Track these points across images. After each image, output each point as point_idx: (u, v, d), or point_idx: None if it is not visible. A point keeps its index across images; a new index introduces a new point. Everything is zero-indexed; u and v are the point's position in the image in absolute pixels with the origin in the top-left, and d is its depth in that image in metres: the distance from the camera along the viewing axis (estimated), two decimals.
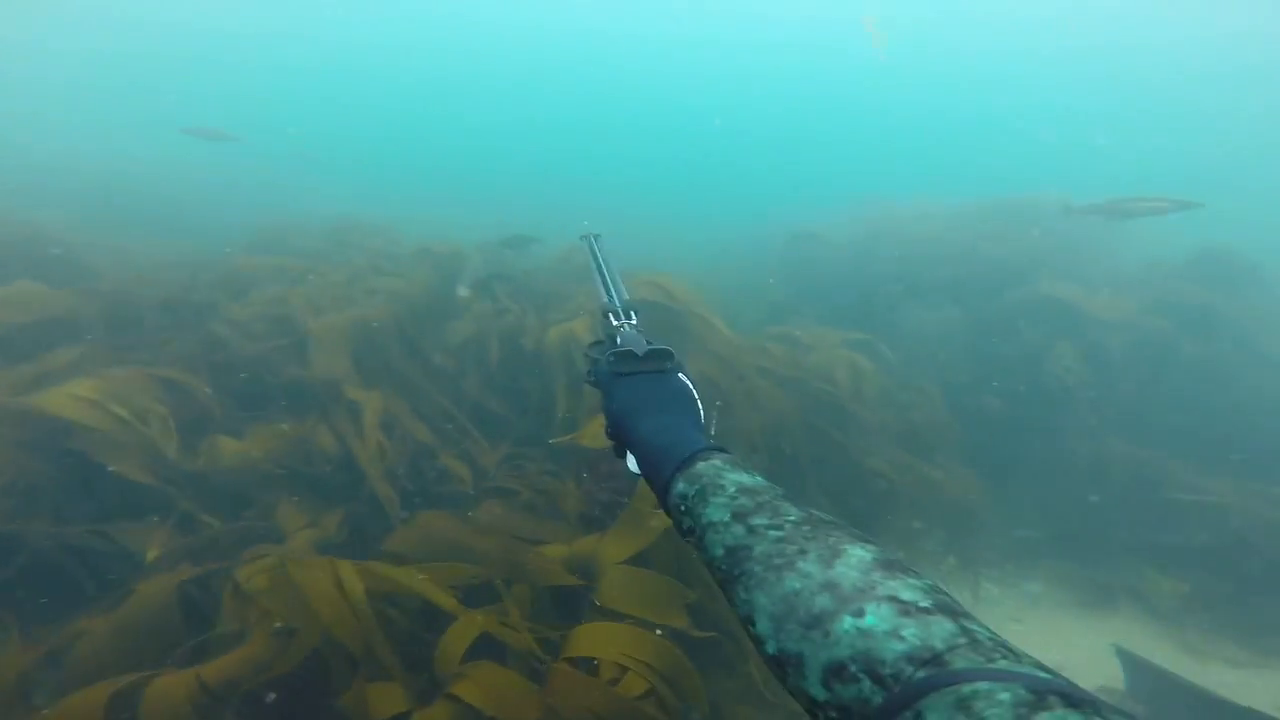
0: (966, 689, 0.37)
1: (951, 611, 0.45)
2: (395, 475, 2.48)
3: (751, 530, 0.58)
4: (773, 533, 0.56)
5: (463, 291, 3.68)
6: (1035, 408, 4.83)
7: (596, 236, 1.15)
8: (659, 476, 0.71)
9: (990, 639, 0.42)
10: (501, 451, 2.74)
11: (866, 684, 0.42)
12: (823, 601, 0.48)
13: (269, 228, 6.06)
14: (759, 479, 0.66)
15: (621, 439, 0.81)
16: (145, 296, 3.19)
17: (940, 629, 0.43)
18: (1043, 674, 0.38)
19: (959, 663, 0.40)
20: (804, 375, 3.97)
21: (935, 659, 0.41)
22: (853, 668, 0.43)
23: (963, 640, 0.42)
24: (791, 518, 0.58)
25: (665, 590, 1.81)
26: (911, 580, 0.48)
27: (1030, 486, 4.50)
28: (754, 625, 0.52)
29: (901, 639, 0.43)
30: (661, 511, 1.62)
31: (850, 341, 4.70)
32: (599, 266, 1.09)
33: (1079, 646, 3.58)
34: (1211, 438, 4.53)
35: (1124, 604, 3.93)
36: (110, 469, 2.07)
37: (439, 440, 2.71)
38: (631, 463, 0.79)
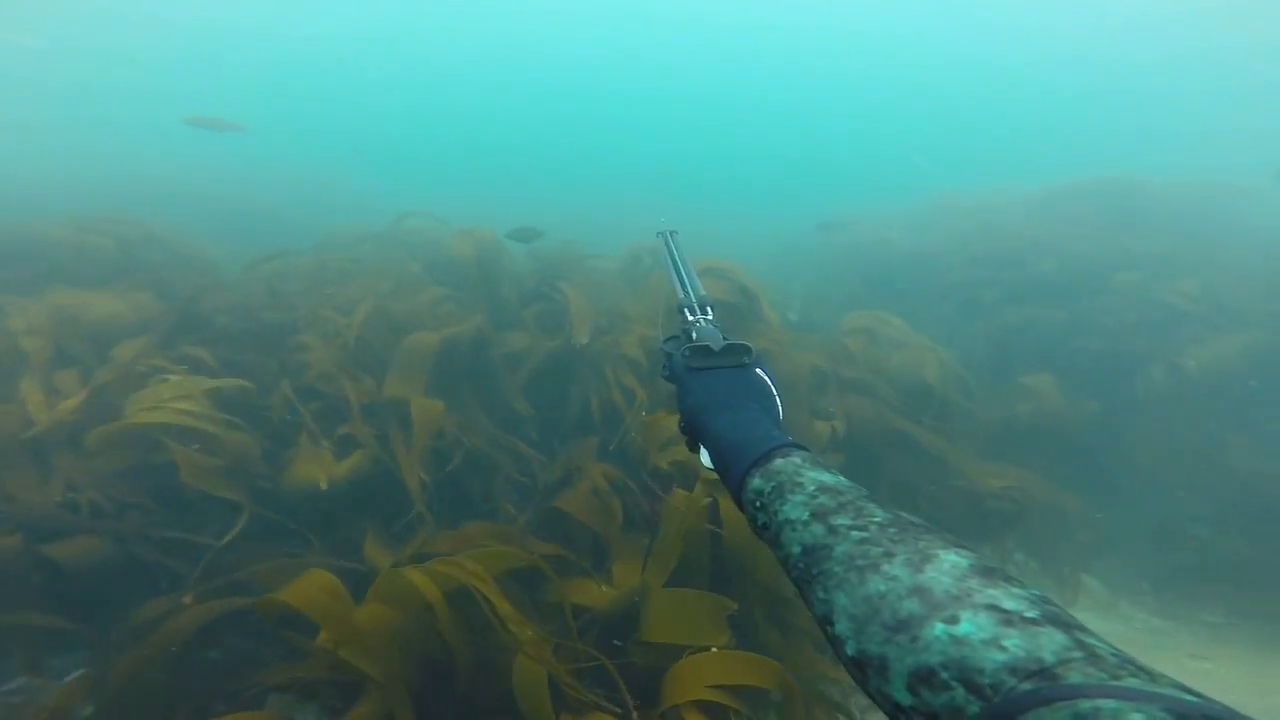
0: (1085, 705, 0.34)
1: (1063, 624, 0.42)
2: (455, 489, 2.58)
3: (832, 530, 0.57)
4: (856, 533, 0.55)
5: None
6: (1143, 414, 4.41)
7: (673, 233, 1.17)
8: (733, 472, 0.71)
9: (1114, 655, 0.39)
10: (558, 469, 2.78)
11: (960, 692, 0.40)
12: (910, 606, 0.46)
13: (339, 231, 6.37)
14: (841, 478, 0.64)
15: (696, 434, 0.81)
16: (224, 306, 3.44)
17: (1050, 641, 0.40)
18: (1189, 697, 0.34)
19: (1074, 677, 0.37)
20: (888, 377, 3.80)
21: (1044, 672, 0.38)
22: (944, 675, 0.42)
23: (1078, 654, 0.39)
24: (876, 519, 0.56)
25: (709, 608, 1.75)
26: (1015, 589, 0.45)
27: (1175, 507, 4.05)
28: (833, 625, 0.51)
29: (1003, 649, 0.40)
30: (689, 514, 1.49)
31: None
32: (675, 262, 1.10)
33: None
34: None
35: None
36: (195, 485, 2.24)
37: (503, 456, 2.80)
38: (705, 458, 0.79)
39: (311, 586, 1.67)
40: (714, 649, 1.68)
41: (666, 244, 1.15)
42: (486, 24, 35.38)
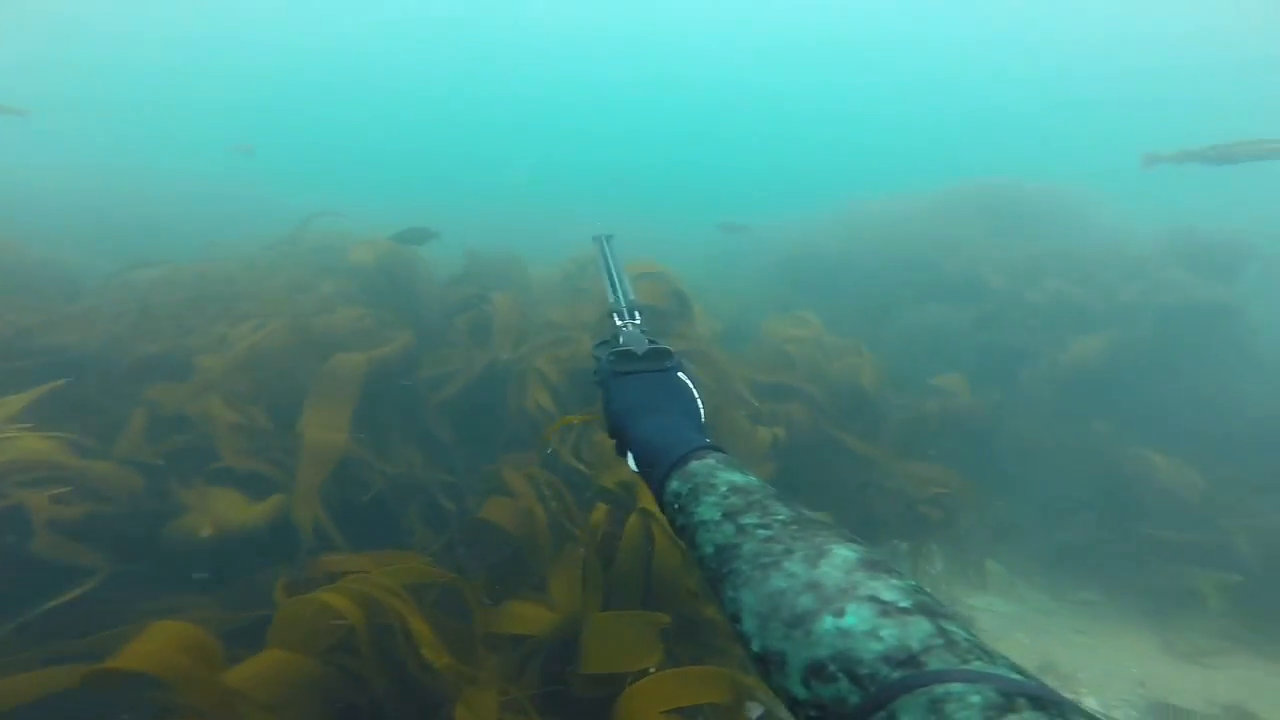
0: (939, 690, 0.38)
1: (931, 612, 0.45)
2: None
3: (741, 529, 0.59)
4: (761, 532, 0.57)
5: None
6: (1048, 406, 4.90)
7: (609, 238, 1.19)
8: (654, 475, 0.73)
9: (967, 640, 0.43)
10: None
11: (844, 683, 0.43)
12: (806, 601, 0.49)
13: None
14: (752, 478, 0.67)
15: (621, 438, 0.82)
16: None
17: (918, 629, 0.43)
18: (1015, 676, 0.39)
19: (934, 663, 0.40)
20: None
21: (911, 660, 0.41)
22: (832, 667, 0.44)
23: (939, 641, 0.42)
24: (780, 517, 0.59)
25: (642, 627, 1.73)
26: (894, 581, 0.48)
27: (1056, 490, 4.52)
28: (740, 623, 0.53)
29: (879, 639, 0.43)
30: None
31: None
32: (608, 266, 1.12)
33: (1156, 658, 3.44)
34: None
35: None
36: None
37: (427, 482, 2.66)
38: (632, 462, 0.80)
39: (160, 643, 1.42)
40: (651, 670, 1.66)
41: (601, 248, 1.17)
42: (418, 34, 34.41)
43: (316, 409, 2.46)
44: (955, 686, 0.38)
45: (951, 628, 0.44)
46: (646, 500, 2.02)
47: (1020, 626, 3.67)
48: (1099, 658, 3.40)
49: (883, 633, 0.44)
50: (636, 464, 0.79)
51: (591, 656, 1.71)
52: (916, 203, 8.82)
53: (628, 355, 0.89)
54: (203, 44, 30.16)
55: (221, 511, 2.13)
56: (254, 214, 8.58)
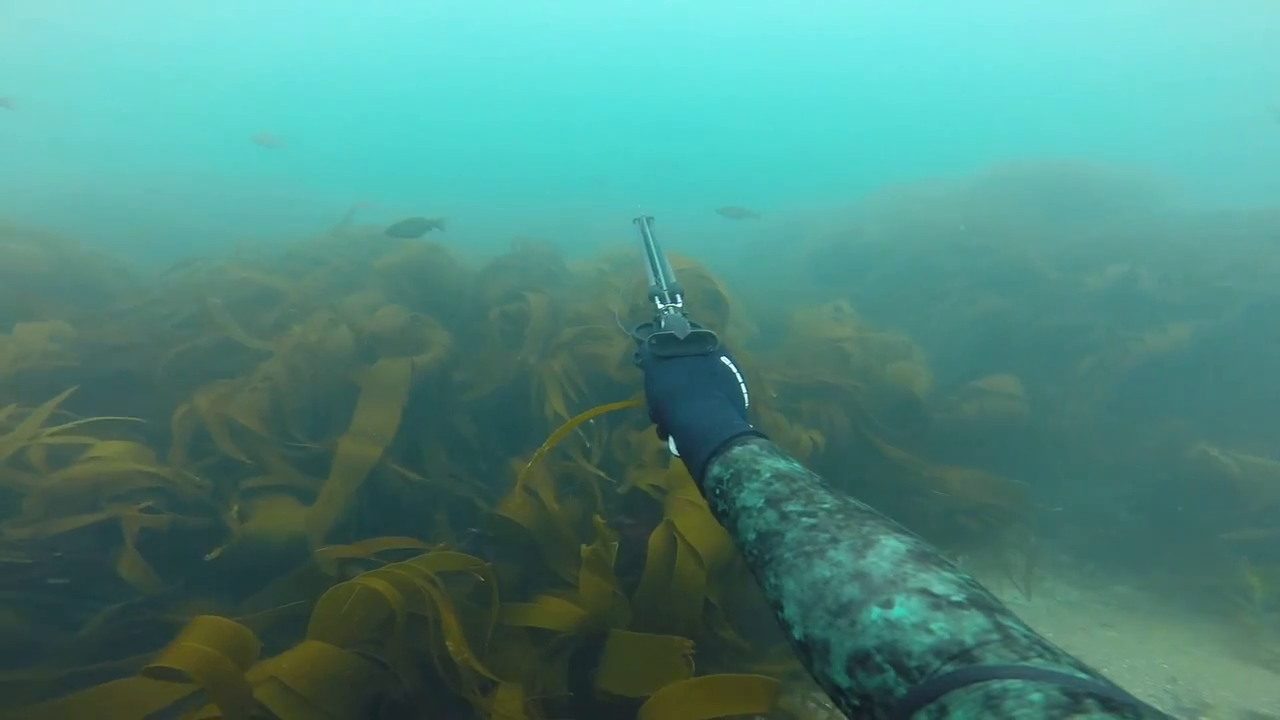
0: (996, 686, 0.37)
1: (986, 607, 0.45)
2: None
3: (784, 516, 0.59)
4: (805, 520, 0.57)
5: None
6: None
7: (649, 219, 1.19)
8: (695, 460, 0.73)
9: (1026, 636, 0.42)
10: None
11: (891, 674, 0.43)
12: (851, 591, 0.48)
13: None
14: (796, 465, 0.67)
15: (662, 422, 0.83)
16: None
17: (972, 624, 0.43)
18: (1081, 675, 0.37)
19: (990, 659, 0.40)
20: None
21: (964, 654, 0.41)
22: (878, 658, 0.44)
23: (995, 636, 0.41)
24: (826, 505, 0.59)
25: (669, 653, 1.70)
26: (946, 574, 0.48)
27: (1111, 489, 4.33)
28: (782, 611, 0.54)
29: (930, 632, 0.43)
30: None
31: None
32: (649, 249, 1.12)
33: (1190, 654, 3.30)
34: None
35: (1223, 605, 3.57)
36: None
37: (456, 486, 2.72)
38: (672, 445, 0.80)
39: (199, 639, 1.44)
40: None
41: (642, 230, 1.16)
42: (456, 35, 35.25)
43: (365, 413, 2.56)
44: (1014, 683, 0.36)
45: (1009, 623, 0.43)
46: (674, 513, 2.01)
47: (1045, 619, 3.57)
48: (1121, 650, 3.30)
49: (933, 626, 0.43)
50: (677, 448, 0.79)
51: (611, 673, 1.71)
52: (957, 186, 8.50)
53: (670, 339, 0.88)
54: (217, 47, 31.22)
55: (276, 519, 2.24)
56: (288, 211, 8.96)
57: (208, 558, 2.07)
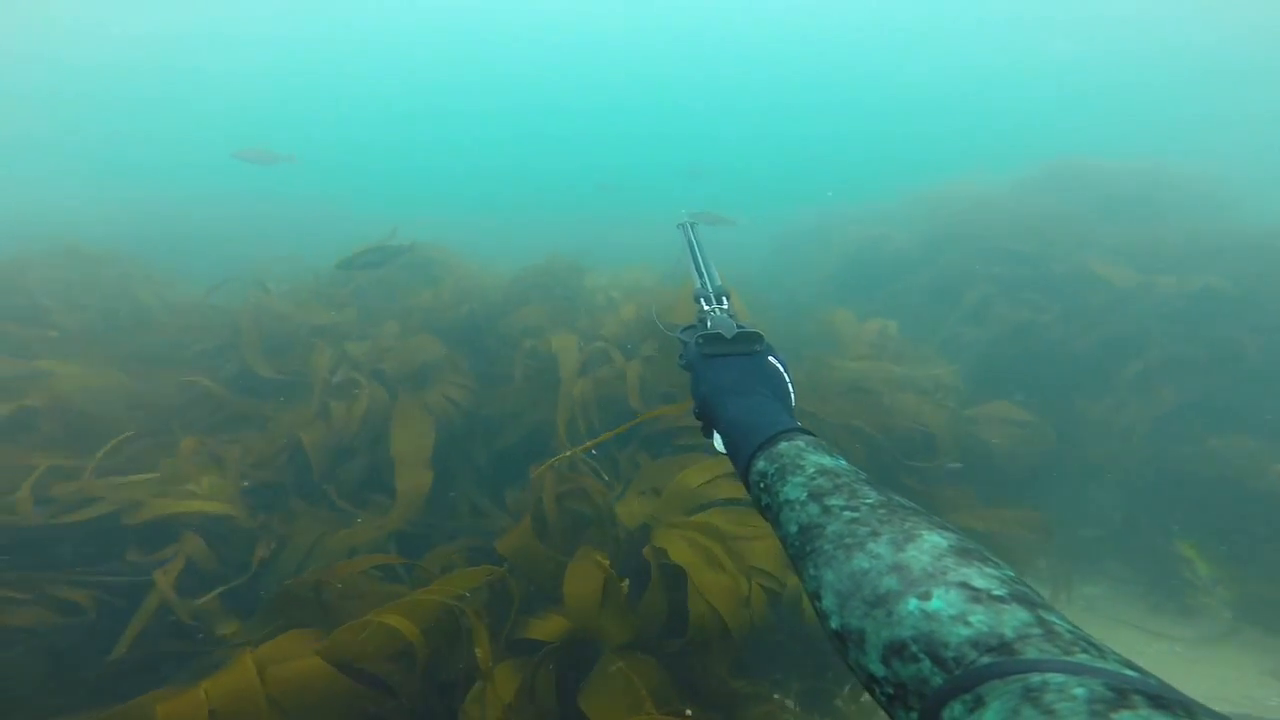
0: (1036, 679, 0.37)
1: (1029, 602, 0.45)
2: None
3: (826, 510, 0.61)
4: (847, 513, 0.59)
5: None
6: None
7: (693, 224, 1.24)
8: (741, 455, 0.77)
9: (1070, 631, 0.42)
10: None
11: (927, 664, 0.44)
12: (889, 582, 0.50)
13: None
14: (841, 461, 0.70)
15: (709, 419, 0.86)
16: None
17: (1012, 617, 0.43)
18: (1129, 672, 0.38)
19: (1030, 652, 0.40)
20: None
21: (1003, 646, 0.41)
22: (914, 647, 0.45)
23: (1037, 630, 0.42)
24: (869, 500, 0.61)
25: (661, 687, 1.79)
26: (988, 569, 0.49)
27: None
28: (820, 600, 0.56)
29: (968, 624, 0.44)
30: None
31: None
32: (693, 252, 1.17)
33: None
34: None
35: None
36: None
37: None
38: (718, 442, 0.84)
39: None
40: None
41: (686, 234, 1.22)
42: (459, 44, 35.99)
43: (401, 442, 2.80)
44: (1055, 677, 0.37)
45: (1052, 618, 0.44)
46: (662, 538, 2.09)
47: None
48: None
49: (972, 618, 0.44)
50: (725, 444, 0.82)
51: (589, 696, 1.80)
52: (1000, 187, 8.23)
53: (716, 338, 0.92)
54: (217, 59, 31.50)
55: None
56: (316, 229, 9.34)
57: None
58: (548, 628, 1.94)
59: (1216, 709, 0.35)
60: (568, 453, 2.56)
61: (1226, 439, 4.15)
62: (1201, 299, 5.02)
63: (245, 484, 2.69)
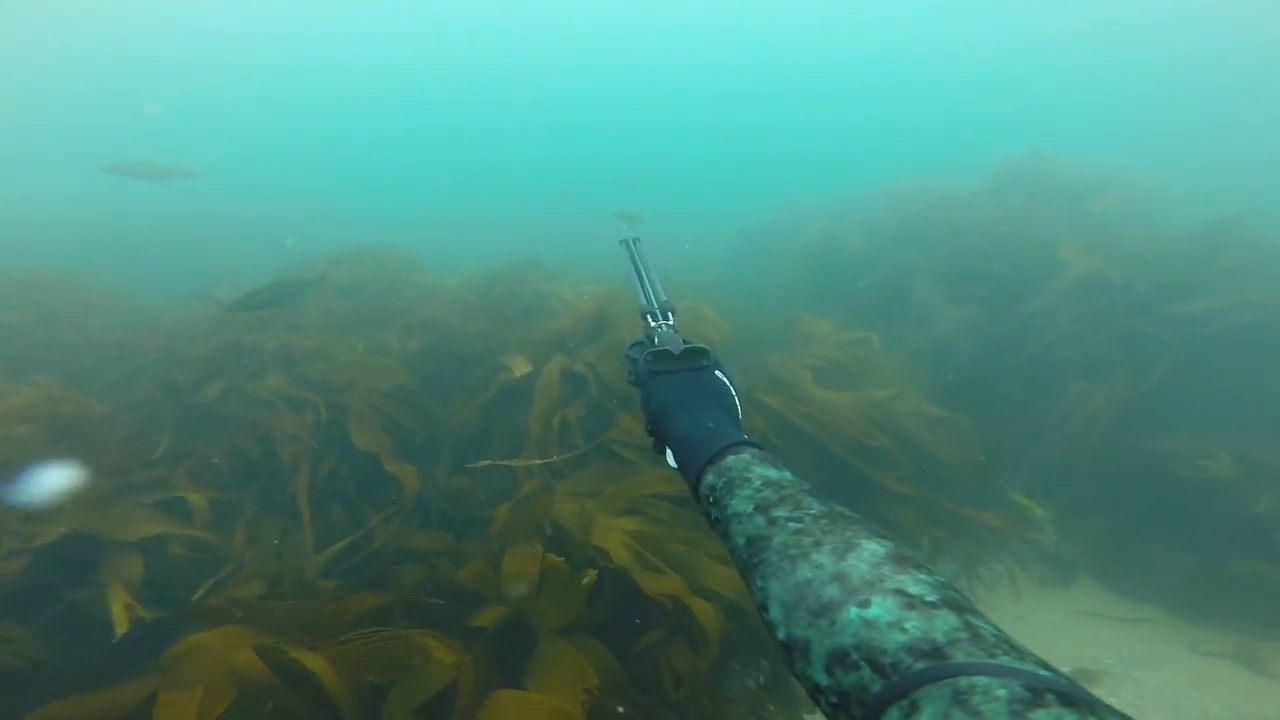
0: (964, 682, 0.40)
1: (957, 606, 0.49)
2: None
3: (772, 521, 0.64)
4: (792, 525, 0.62)
5: None
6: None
7: (636, 240, 1.26)
8: (690, 469, 0.80)
9: (994, 635, 0.46)
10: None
11: (866, 672, 0.46)
12: (831, 591, 0.53)
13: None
14: (786, 474, 0.73)
15: (659, 435, 0.90)
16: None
17: (943, 623, 0.46)
18: (1043, 672, 0.41)
19: (959, 656, 0.43)
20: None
21: (935, 651, 0.44)
22: (854, 655, 0.48)
23: (965, 634, 0.45)
24: (812, 511, 0.64)
25: (601, 667, 1.92)
26: (921, 576, 0.52)
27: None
28: (767, 612, 0.59)
29: (903, 630, 0.47)
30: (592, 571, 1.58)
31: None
32: (637, 269, 1.19)
33: None
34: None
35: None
36: None
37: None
38: (670, 458, 0.87)
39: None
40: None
41: (629, 251, 1.23)
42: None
43: None
44: (980, 679, 0.40)
45: (979, 622, 0.47)
46: (601, 538, 2.26)
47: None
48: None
49: (907, 625, 0.47)
50: (675, 460, 0.85)
51: (538, 680, 1.93)
52: (967, 186, 8.36)
53: (665, 355, 0.96)
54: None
55: None
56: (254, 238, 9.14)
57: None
58: (486, 616, 2.10)
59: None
60: (509, 461, 2.71)
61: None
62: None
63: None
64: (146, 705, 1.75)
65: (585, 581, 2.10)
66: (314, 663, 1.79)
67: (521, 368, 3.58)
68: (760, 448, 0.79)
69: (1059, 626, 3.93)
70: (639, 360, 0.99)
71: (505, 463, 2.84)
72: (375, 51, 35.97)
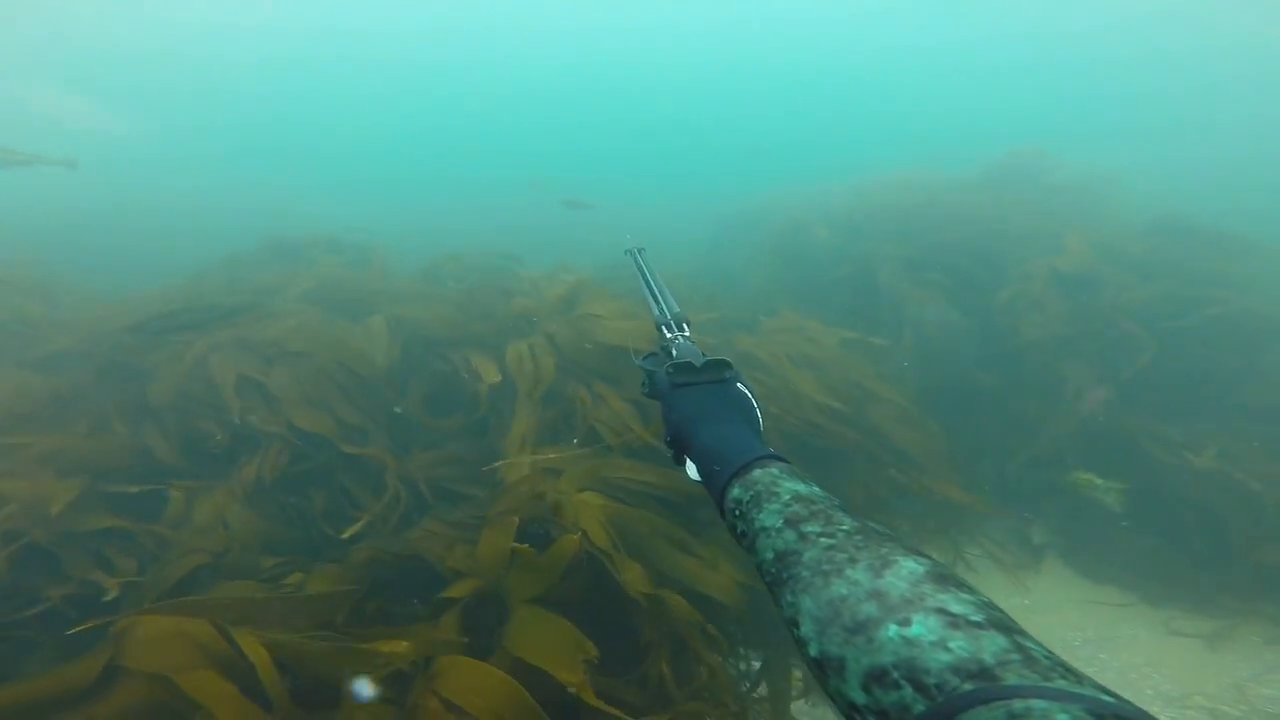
0: (1019, 705, 0.39)
1: (1005, 627, 0.48)
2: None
3: (803, 536, 0.65)
4: (824, 540, 0.63)
5: None
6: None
7: (641, 250, 1.27)
8: (716, 482, 0.82)
9: (1047, 658, 0.45)
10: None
11: (908, 691, 0.46)
12: (868, 609, 0.53)
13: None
14: (815, 489, 0.74)
15: (681, 447, 0.92)
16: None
17: (991, 643, 0.46)
18: (1106, 697, 0.40)
19: (1011, 678, 0.42)
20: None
21: (984, 673, 0.44)
22: (895, 674, 0.47)
23: (1016, 656, 0.45)
24: (844, 527, 0.65)
25: (570, 642, 1.93)
26: (964, 595, 0.52)
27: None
28: (798, 628, 0.59)
29: (948, 650, 0.46)
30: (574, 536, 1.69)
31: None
32: (646, 280, 1.20)
33: None
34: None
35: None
36: None
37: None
38: (691, 470, 0.89)
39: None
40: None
41: (636, 262, 1.24)
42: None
43: None
44: (1037, 703, 0.39)
45: (1029, 644, 0.46)
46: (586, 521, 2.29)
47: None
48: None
49: (951, 644, 0.46)
50: (698, 472, 0.87)
51: (517, 642, 1.96)
52: (954, 177, 8.51)
53: (686, 367, 0.97)
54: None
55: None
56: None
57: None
58: (458, 589, 2.15)
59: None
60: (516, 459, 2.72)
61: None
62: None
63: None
64: (106, 676, 1.74)
65: (564, 549, 2.13)
66: (256, 653, 1.77)
67: (491, 376, 3.57)
68: (787, 461, 0.81)
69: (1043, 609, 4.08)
70: (658, 372, 1.00)
71: (525, 458, 2.79)
72: (343, 43, 35.51)
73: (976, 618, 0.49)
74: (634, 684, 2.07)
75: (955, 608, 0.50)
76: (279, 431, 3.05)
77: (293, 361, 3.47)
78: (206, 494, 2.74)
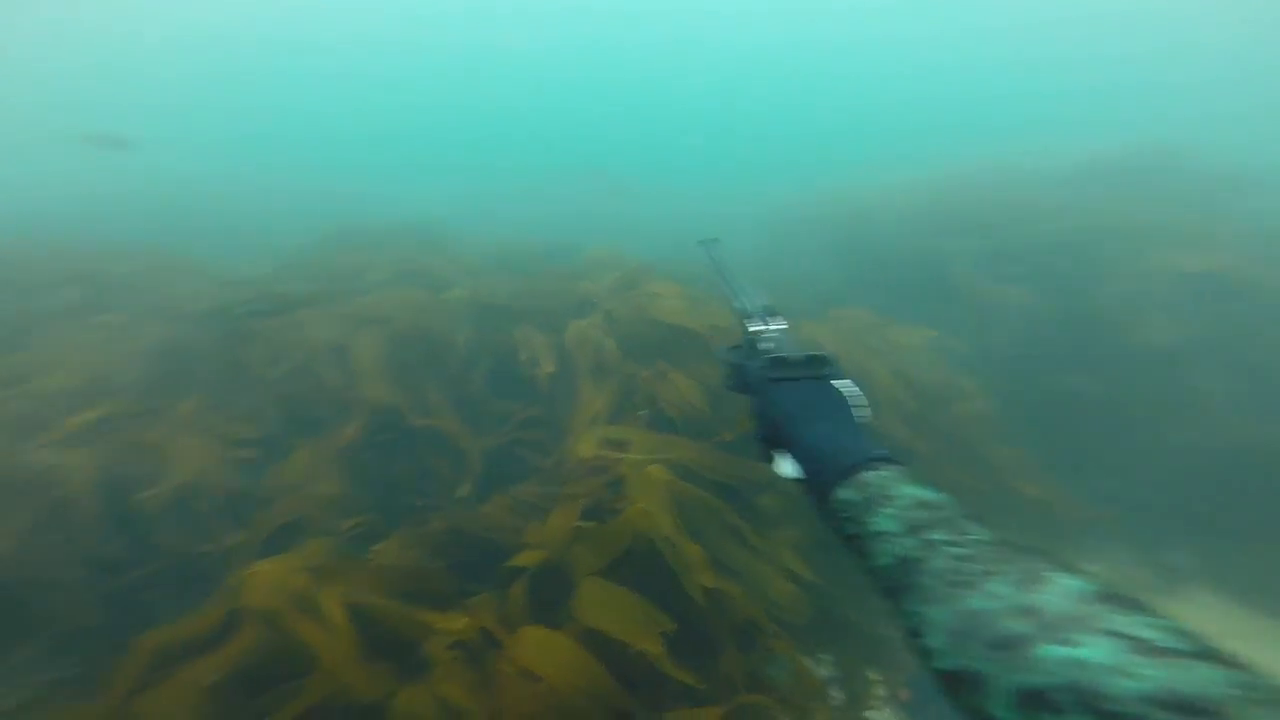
0: None
1: (1217, 659, 0.43)
2: None
3: (927, 544, 0.63)
4: (953, 549, 0.61)
5: None
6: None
7: (714, 242, 1.23)
8: (822, 483, 0.79)
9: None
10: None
11: (1078, 718, 0.43)
12: (1017, 625, 0.51)
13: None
14: (941, 494, 0.71)
15: (779, 444, 0.88)
16: None
17: (1206, 675, 0.42)
18: None
19: (1239, 713, 0.39)
20: None
21: (1212, 711, 0.39)
22: (1059, 697, 0.45)
23: (1238, 693, 0.40)
24: (975, 536, 0.62)
25: (643, 614, 1.96)
26: (1149, 618, 0.48)
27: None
28: (924, 637, 0.57)
29: (1139, 678, 0.43)
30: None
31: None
32: (722, 272, 1.17)
33: None
34: None
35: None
36: None
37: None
38: (783, 467, 0.86)
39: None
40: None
41: (710, 255, 1.21)
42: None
43: None
44: None
45: (1254, 679, 0.41)
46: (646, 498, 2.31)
47: None
48: None
49: (1146, 672, 0.43)
50: (803, 471, 0.83)
51: (585, 610, 1.99)
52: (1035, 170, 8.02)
53: (783, 361, 0.93)
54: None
55: None
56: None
57: None
58: (527, 557, 2.23)
59: None
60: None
61: None
62: None
63: None
64: (229, 623, 1.92)
65: (627, 523, 2.17)
66: (336, 613, 1.89)
67: (548, 366, 3.67)
68: (902, 463, 0.77)
69: None
70: (749, 365, 0.97)
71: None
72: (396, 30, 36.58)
73: (1175, 644, 0.45)
74: (699, 670, 2.10)
75: (1142, 632, 0.46)
76: (364, 397, 3.25)
77: (375, 333, 3.68)
78: (296, 455, 2.95)
